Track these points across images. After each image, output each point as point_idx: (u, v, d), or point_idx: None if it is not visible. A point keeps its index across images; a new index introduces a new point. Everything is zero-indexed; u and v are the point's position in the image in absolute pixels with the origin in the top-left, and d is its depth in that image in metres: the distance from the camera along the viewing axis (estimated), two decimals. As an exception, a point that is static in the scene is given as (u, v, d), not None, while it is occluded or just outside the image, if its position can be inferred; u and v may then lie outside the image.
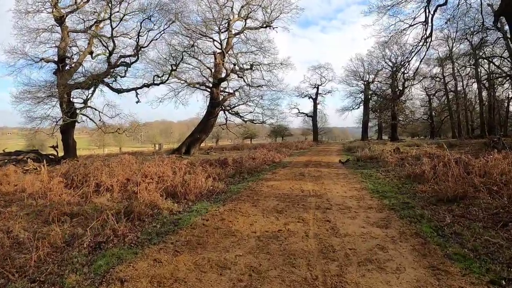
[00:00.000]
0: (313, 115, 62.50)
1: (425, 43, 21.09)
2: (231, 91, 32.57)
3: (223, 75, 30.41)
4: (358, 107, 58.64)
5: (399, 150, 21.44)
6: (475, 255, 4.66)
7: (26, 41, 24.16)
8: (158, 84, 26.86)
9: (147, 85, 26.72)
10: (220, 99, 30.92)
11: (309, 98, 61.97)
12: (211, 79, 30.85)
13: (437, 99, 55.00)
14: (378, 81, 54.68)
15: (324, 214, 7.04)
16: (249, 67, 31.50)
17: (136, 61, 26.79)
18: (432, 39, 22.01)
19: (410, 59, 23.31)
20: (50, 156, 23.33)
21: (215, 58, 30.10)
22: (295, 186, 10.83)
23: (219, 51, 30.03)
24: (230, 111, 32.43)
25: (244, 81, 31.85)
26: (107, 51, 26.10)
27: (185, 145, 30.54)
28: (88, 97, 25.33)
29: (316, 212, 7.28)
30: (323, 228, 6.05)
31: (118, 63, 26.49)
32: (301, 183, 11.35)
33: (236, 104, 32.53)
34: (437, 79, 49.33)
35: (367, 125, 59.12)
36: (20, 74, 29.50)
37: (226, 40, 30.17)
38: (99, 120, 27.35)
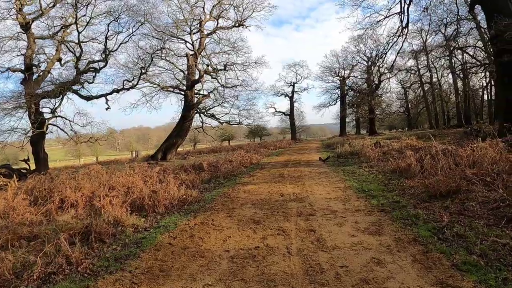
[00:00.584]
0: (290, 113, 61.68)
1: (401, 34, 20.70)
2: (205, 93, 31.55)
3: (197, 77, 29.41)
4: (335, 103, 58.27)
5: (380, 143, 20.99)
6: (486, 262, 3.98)
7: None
8: (128, 89, 25.62)
9: (117, 91, 25.47)
10: (195, 101, 29.89)
11: (285, 96, 61.19)
12: (184, 82, 29.80)
13: (412, 92, 55.22)
14: (354, 76, 54.62)
15: (308, 222, 6.23)
16: (222, 67, 30.59)
17: (104, 66, 25.50)
18: (408, 31, 21.61)
19: (387, 50, 22.81)
20: (22, 170, 21.91)
21: (188, 60, 29.06)
22: (274, 189, 10.01)
23: (191, 52, 28.99)
24: (205, 113, 31.40)
25: (218, 82, 30.96)
26: (75, 57, 24.68)
27: (161, 151, 29.40)
28: (56, 106, 23.91)
29: (299, 220, 6.46)
30: (308, 241, 5.22)
31: (87, 69, 25.12)
32: (281, 186, 10.55)
33: (211, 106, 31.57)
34: (412, 71, 49.51)
35: (345, 120, 58.92)
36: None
37: (198, 41, 29.16)
38: (71, 129, 25.96)
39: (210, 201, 9.21)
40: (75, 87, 24.60)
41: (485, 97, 44.64)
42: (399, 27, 20.81)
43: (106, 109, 25.86)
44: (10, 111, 22.13)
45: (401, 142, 19.65)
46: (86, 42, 25.07)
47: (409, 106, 56.19)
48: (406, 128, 58.94)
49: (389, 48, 22.36)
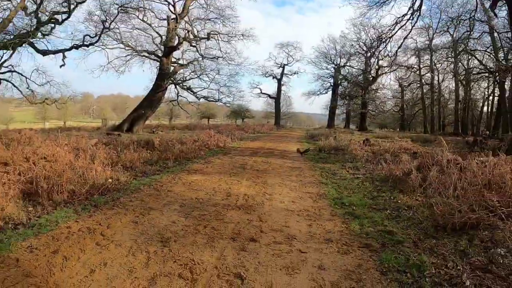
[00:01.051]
0: (276, 97, 58.41)
1: (411, 18, 18.10)
2: (185, 63, 28.64)
3: (176, 43, 26.50)
4: (326, 92, 55.06)
5: (370, 141, 18.74)
6: None
7: None
8: (87, 46, 22.54)
9: (76, 47, 22.42)
10: (170, 70, 27.05)
11: (273, 78, 57.77)
12: (162, 48, 26.92)
13: (410, 92, 52.83)
14: (350, 66, 51.25)
15: (241, 256, 3.74)
16: (205, 36, 27.65)
17: (67, 18, 22.22)
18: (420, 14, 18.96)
19: (392, 34, 19.87)
20: None
21: (168, 23, 26.09)
22: (223, 185, 7.53)
23: (173, 16, 26.01)
24: (181, 85, 28.48)
25: (197, 50, 28.01)
26: (36, 5, 21.38)
27: (127, 122, 26.85)
28: (6, 59, 20.94)
29: (229, 248, 3.98)
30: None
31: (48, 20, 21.85)
32: (234, 181, 8.07)
33: (188, 78, 28.68)
34: (413, 69, 47.08)
35: (335, 112, 56.18)
36: None
37: (182, 3, 26.21)
38: (27, 87, 23.10)
39: (131, 191, 6.74)
40: (33, 40, 21.52)
41: (485, 108, 43.29)
42: (411, 6, 18.05)
43: (61, 66, 22.97)
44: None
45: (394, 143, 17.40)
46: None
47: (405, 106, 53.76)
48: (398, 129, 56.14)
49: (395, 31, 19.57)
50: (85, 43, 22.51)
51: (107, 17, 22.20)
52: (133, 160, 9.91)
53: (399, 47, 24.51)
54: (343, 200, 6.46)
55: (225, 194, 6.68)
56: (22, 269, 3.36)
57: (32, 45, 21.60)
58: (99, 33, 22.34)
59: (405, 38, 22.80)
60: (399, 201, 6.36)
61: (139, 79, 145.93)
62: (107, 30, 22.63)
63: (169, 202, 5.95)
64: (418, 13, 18.39)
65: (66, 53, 22.73)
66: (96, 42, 22.70)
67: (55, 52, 22.23)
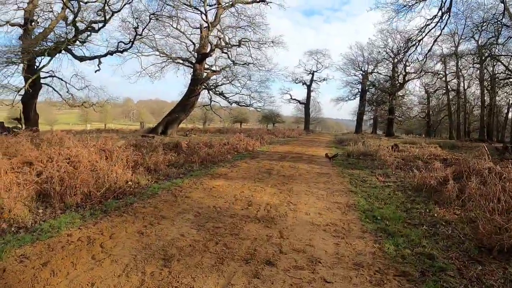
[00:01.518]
0: (306, 102, 57.08)
1: (440, 21, 16.81)
2: (217, 69, 28.23)
3: (208, 50, 26.15)
4: (354, 98, 53.23)
5: (398, 147, 17.49)
6: None
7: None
8: (121, 52, 22.46)
9: (111, 53, 22.38)
10: (203, 76, 26.71)
11: (303, 84, 56.52)
12: (196, 55, 26.65)
13: (436, 98, 50.36)
14: (378, 72, 49.29)
15: (251, 286, 2.97)
16: (237, 43, 27.13)
17: (103, 26, 22.12)
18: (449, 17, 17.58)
19: (423, 37, 18.58)
20: (14, 130, 19.47)
21: (201, 31, 25.78)
22: (245, 192, 6.76)
23: (205, 24, 25.67)
24: (214, 90, 28.07)
25: (229, 57, 27.50)
26: (73, 14, 21.54)
27: (162, 125, 26.67)
28: (44, 65, 21.06)
29: (239, 273, 3.20)
30: None
31: (85, 29, 21.97)
32: (258, 188, 7.29)
33: (220, 83, 28.24)
34: (440, 75, 44.73)
35: (362, 117, 54.38)
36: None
37: (215, 12, 25.82)
38: (67, 92, 23.41)
39: (147, 196, 6.13)
40: (71, 47, 21.71)
41: (510, 114, 40.77)
42: (440, 7, 16.76)
43: (96, 71, 23.01)
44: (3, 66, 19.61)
45: (423, 149, 16.10)
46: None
47: (430, 112, 51.09)
48: (423, 135, 53.48)
49: (424, 35, 18.26)
50: (119, 49, 22.41)
51: (139, 24, 21.96)
52: (158, 162, 9.37)
53: (429, 50, 23.21)
54: (375, 212, 5.55)
55: (246, 202, 5.91)
56: (4, 282, 2.81)
57: (70, 51, 21.70)
58: (132, 39, 22.20)
59: (435, 41, 21.68)
60: (435, 215, 5.40)
61: (174, 85, 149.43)
62: (140, 36, 22.46)
63: (183, 210, 5.26)
64: (448, 15, 17.01)
65: (103, 59, 22.79)
66: (129, 48, 22.48)
67: (91, 58, 22.11)
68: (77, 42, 21.22)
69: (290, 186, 7.69)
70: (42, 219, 4.69)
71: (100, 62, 22.38)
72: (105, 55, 22.26)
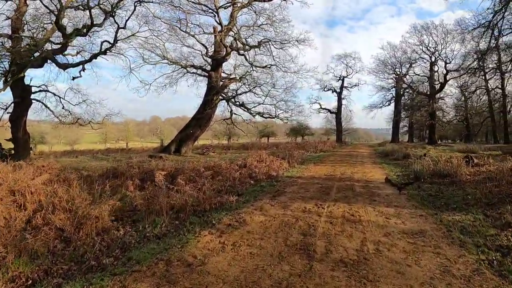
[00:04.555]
0: (337, 112, 50.80)
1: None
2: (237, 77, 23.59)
3: (224, 54, 21.75)
4: (389, 104, 47.17)
5: (473, 160, 12.08)
6: None
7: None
8: (104, 52, 18.54)
9: (95, 56, 18.70)
10: (220, 85, 22.27)
11: (332, 91, 50.51)
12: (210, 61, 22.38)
13: (472, 100, 43.75)
14: (414, 73, 43.02)
15: None
16: (255, 44, 22.58)
17: (86, 35, 18.57)
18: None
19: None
20: (4, 152, 16.85)
21: (215, 37, 21.48)
22: None
23: (219, 27, 21.36)
24: (233, 101, 23.30)
25: (246, 59, 22.86)
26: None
27: (174, 142, 22.49)
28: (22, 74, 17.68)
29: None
30: None
31: (74, 33, 18.42)
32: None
33: (240, 92, 23.53)
34: (481, 73, 37.79)
35: (399, 125, 48.15)
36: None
37: (228, 12, 21.61)
38: (62, 108, 19.97)
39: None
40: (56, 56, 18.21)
41: None
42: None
43: (73, 78, 19.55)
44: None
45: (504, 161, 10.23)
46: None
47: (469, 115, 43.89)
48: (462, 141, 45.51)
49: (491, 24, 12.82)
50: (103, 49, 18.67)
51: (115, 10, 17.88)
52: (93, 216, 4.71)
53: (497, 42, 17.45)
54: None
55: None
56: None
57: (53, 59, 18.20)
58: (115, 31, 18.44)
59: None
60: None
61: (195, 100, 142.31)
62: (123, 28, 18.59)
63: None
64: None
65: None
66: (113, 46, 18.69)
67: (74, 65, 18.80)
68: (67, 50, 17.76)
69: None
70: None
71: (83, 69, 19.08)
72: (89, 60, 18.77)
